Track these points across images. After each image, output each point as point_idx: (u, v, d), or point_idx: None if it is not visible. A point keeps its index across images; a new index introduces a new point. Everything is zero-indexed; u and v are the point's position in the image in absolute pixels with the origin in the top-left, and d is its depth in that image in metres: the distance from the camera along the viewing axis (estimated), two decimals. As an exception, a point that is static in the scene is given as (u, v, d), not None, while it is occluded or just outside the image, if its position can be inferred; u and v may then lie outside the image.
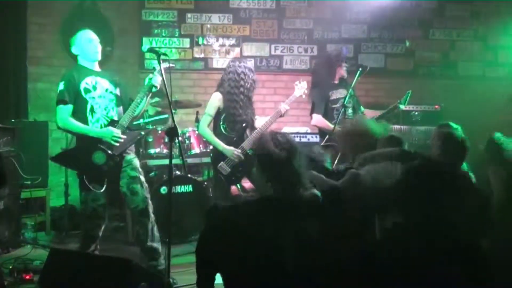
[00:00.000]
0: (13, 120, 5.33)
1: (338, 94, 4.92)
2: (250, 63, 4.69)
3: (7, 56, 5.77)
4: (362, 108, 5.16)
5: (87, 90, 3.85)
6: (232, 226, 2.52)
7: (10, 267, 3.97)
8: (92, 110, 3.85)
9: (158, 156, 5.23)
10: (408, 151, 3.33)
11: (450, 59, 7.06)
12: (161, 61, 3.61)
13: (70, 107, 3.79)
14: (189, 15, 6.68)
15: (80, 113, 3.83)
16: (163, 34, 6.63)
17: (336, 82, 5.01)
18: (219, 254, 2.51)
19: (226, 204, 2.75)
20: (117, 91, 4.01)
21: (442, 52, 7.05)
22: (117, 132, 3.78)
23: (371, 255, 2.55)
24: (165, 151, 5.17)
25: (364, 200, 2.96)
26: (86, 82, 3.86)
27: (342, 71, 5.00)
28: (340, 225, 2.74)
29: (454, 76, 7.02)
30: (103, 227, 3.93)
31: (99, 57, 3.98)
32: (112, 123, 3.84)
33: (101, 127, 3.83)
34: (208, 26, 6.71)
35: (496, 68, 7.11)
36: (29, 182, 5.11)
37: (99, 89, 3.90)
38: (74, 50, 3.98)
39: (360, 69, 4.81)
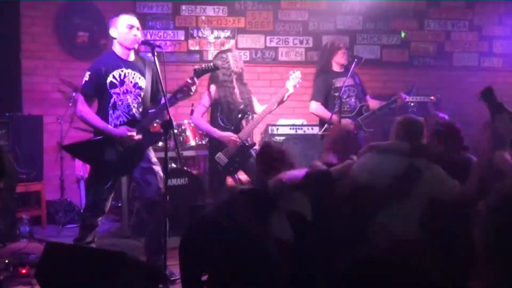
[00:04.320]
0: (7, 114, 5.30)
1: (342, 82, 4.91)
2: (236, 51, 4.70)
3: (0, 49, 5.73)
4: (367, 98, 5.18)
5: (113, 85, 3.72)
6: (216, 224, 2.51)
7: (6, 261, 3.97)
8: (114, 106, 3.74)
9: (154, 149, 5.21)
10: (419, 147, 3.21)
11: (445, 49, 7.06)
12: (155, 54, 3.59)
13: (91, 100, 3.74)
14: (183, 7, 6.64)
15: (101, 106, 3.76)
16: (158, 27, 6.60)
17: (340, 70, 5.01)
18: (203, 254, 2.50)
19: (216, 199, 2.77)
20: (148, 86, 3.86)
21: (437, 43, 7.05)
22: (132, 132, 3.70)
23: (366, 255, 2.53)
24: (160, 143, 5.16)
25: (356, 193, 2.92)
26: (114, 76, 3.72)
27: (339, 59, 4.99)
28: (332, 217, 2.72)
29: (449, 67, 7.02)
30: (101, 218, 3.93)
31: (136, 46, 3.85)
32: (132, 122, 3.76)
33: (121, 124, 3.75)
34: (203, 18, 6.67)
35: (491, 59, 7.12)
36: (24, 176, 5.10)
37: (126, 84, 3.76)
38: (112, 32, 3.79)
39: (356, 60, 4.82)
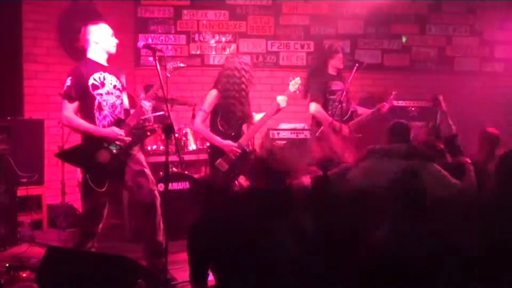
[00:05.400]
0: (8, 118, 5.31)
1: (337, 86, 4.94)
2: (247, 59, 4.64)
3: (2, 53, 5.74)
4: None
5: (95, 87, 3.76)
6: (225, 218, 2.53)
7: (7, 265, 3.96)
8: (99, 107, 3.77)
9: (155, 153, 5.22)
10: (415, 147, 3.27)
11: (446, 54, 7.07)
12: (157, 58, 3.60)
13: (75, 104, 3.74)
14: (185, 11, 6.66)
15: (87, 110, 3.77)
16: (159, 31, 6.62)
17: (335, 74, 5.03)
18: (211, 245, 2.52)
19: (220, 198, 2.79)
20: (122, 88, 3.95)
21: (439, 48, 7.05)
22: (121, 132, 3.73)
23: (365, 259, 2.52)
24: (161, 147, 5.17)
25: (353, 199, 2.92)
26: (94, 78, 3.77)
27: (336, 63, 5.01)
28: (331, 217, 2.72)
29: (451, 72, 7.02)
30: (101, 225, 3.92)
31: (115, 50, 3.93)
32: (119, 122, 3.79)
33: (108, 125, 3.78)
34: (204, 22, 6.69)
35: (492, 63, 7.12)
36: (25, 180, 5.10)
37: (107, 85, 3.82)
38: (93, 37, 3.84)
39: (357, 64, 4.84)
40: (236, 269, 2.46)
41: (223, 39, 6.72)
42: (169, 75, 3.83)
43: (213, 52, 6.70)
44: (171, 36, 6.64)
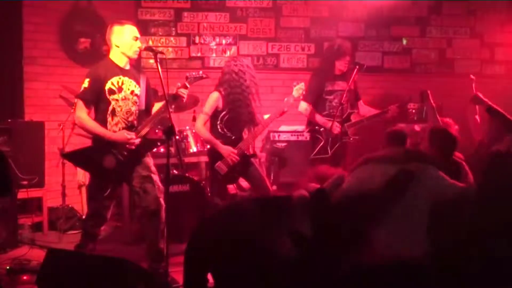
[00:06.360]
0: (9, 120, 5.31)
1: (335, 86, 4.94)
2: (246, 60, 4.62)
3: (3, 55, 5.75)
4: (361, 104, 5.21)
5: (111, 92, 3.75)
6: (225, 226, 2.52)
7: (7, 267, 3.97)
8: (113, 113, 3.76)
9: (155, 155, 5.21)
10: (413, 151, 3.25)
11: (447, 56, 7.06)
12: (158, 60, 3.60)
13: (90, 106, 3.75)
14: (185, 13, 6.66)
15: (100, 113, 3.78)
16: (160, 33, 6.62)
17: (339, 73, 5.03)
18: (211, 253, 2.51)
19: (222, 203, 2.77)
20: (142, 94, 3.90)
21: (439, 50, 7.05)
22: (131, 135, 3.72)
23: (365, 266, 2.51)
24: (162, 150, 5.16)
25: (350, 206, 2.89)
26: (112, 82, 3.75)
27: (340, 64, 4.99)
28: (330, 228, 2.71)
29: (451, 74, 7.01)
30: (103, 227, 3.93)
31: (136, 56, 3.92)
32: (131, 128, 3.79)
33: (119, 130, 3.77)
34: (205, 24, 6.69)
35: (493, 66, 7.12)
36: (25, 182, 5.10)
37: (124, 91, 3.79)
38: (115, 39, 3.80)
39: (357, 67, 4.83)
40: (236, 274, 2.44)
41: (224, 41, 6.72)
42: (188, 86, 3.84)
43: (214, 54, 6.70)
44: (172, 38, 6.64)
